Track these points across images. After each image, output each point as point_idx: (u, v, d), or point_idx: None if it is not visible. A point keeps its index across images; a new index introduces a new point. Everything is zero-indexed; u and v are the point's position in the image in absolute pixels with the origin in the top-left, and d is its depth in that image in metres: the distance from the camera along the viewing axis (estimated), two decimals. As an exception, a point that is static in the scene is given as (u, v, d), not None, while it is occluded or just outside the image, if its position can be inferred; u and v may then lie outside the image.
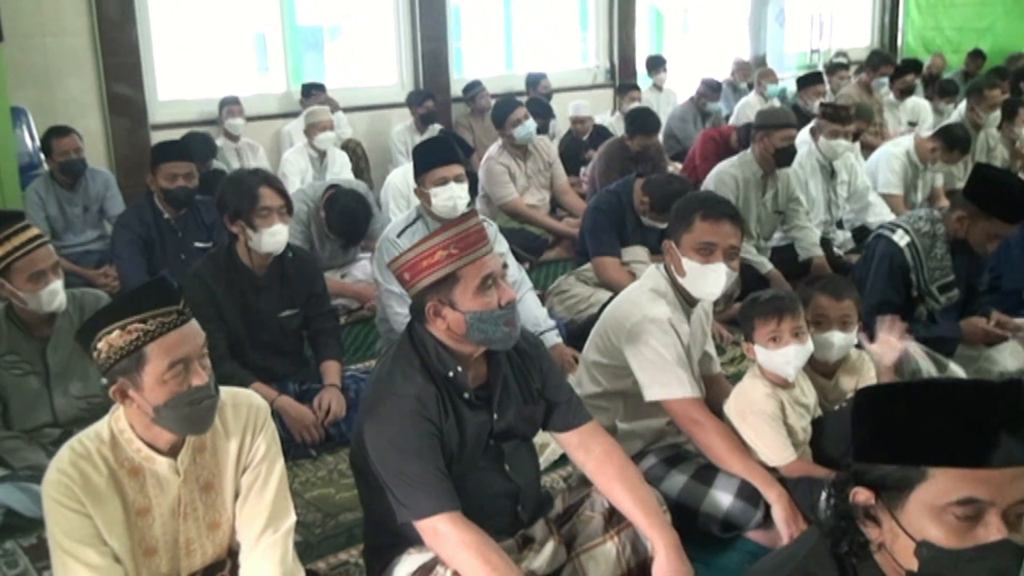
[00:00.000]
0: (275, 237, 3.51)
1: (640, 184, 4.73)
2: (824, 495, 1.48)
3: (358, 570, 2.76)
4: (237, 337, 3.57)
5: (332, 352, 3.77)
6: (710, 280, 2.89)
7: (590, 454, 2.50)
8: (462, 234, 2.23)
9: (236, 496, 2.13)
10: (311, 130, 6.45)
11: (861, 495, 1.39)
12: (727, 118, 8.71)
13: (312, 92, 7.52)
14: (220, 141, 6.94)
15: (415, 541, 2.27)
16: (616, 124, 8.08)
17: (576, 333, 4.15)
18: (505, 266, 2.34)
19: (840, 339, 2.96)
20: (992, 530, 1.28)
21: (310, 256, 4.05)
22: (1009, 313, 4.00)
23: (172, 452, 2.03)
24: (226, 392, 2.09)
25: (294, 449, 3.46)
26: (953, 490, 1.29)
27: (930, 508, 1.31)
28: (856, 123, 5.56)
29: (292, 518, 2.16)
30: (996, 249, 3.74)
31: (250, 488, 2.12)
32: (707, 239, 2.86)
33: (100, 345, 1.92)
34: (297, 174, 6.34)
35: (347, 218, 5.00)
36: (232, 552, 2.17)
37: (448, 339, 2.29)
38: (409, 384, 2.26)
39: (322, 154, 6.53)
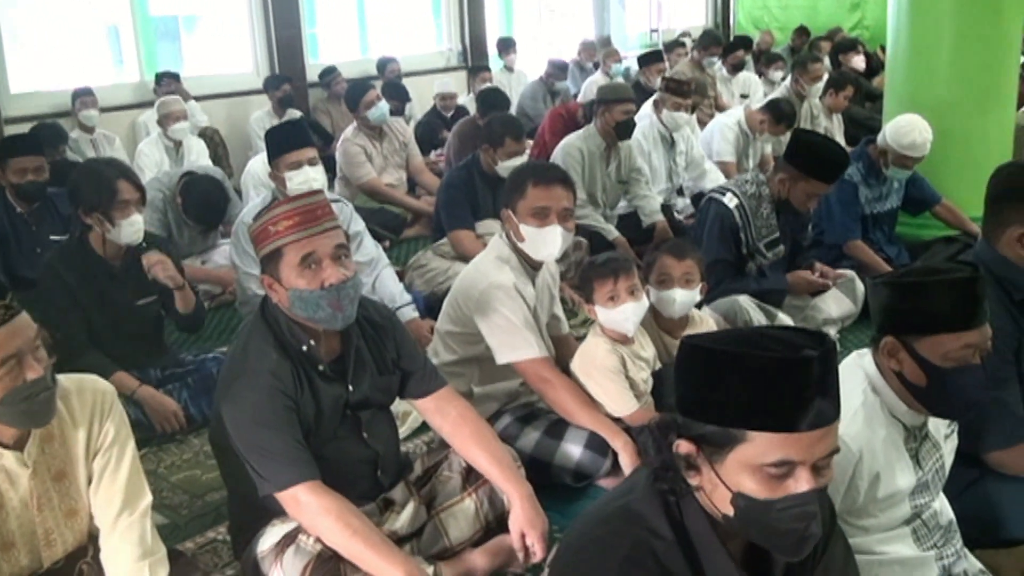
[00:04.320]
0: (133, 227, 3.49)
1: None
2: (650, 439, 1.57)
3: (225, 547, 2.78)
4: (95, 326, 3.54)
5: None
6: (547, 242, 3.01)
7: (446, 417, 2.59)
8: (292, 212, 2.26)
9: (90, 482, 2.10)
10: (164, 120, 6.35)
11: (683, 447, 1.48)
12: (575, 96, 8.95)
13: (164, 81, 7.38)
14: (75, 133, 6.75)
15: (278, 513, 2.31)
16: (470, 104, 8.21)
17: (436, 306, 4.12)
18: (342, 247, 2.32)
19: (682, 295, 3.13)
20: (801, 482, 1.41)
21: (164, 242, 3.99)
22: (831, 264, 4.32)
23: (18, 445, 1.97)
24: (70, 379, 2.04)
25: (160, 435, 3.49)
26: (769, 453, 1.40)
27: (747, 466, 1.42)
28: (693, 97, 5.87)
29: (148, 498, 2.14)
30: (817, 207, 4.03)
31: (102, 472, 2.09)
32: (541, 204, 2.98)
33: None
34: (153, 166, 6.23)
35: (204, 203, 4.98)
36: (93, 537, 2.14)
37: (288, 313, 2.33)
38: (263, 359, 2.29)
39: (177, 144, 6.43)
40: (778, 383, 1.39)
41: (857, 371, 2.09)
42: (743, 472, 1.43)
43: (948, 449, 2.19)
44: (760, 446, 1.40)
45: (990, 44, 4.92)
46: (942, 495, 2.23)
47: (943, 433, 2.17)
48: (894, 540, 2.10)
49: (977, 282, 1.93)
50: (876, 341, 2.07)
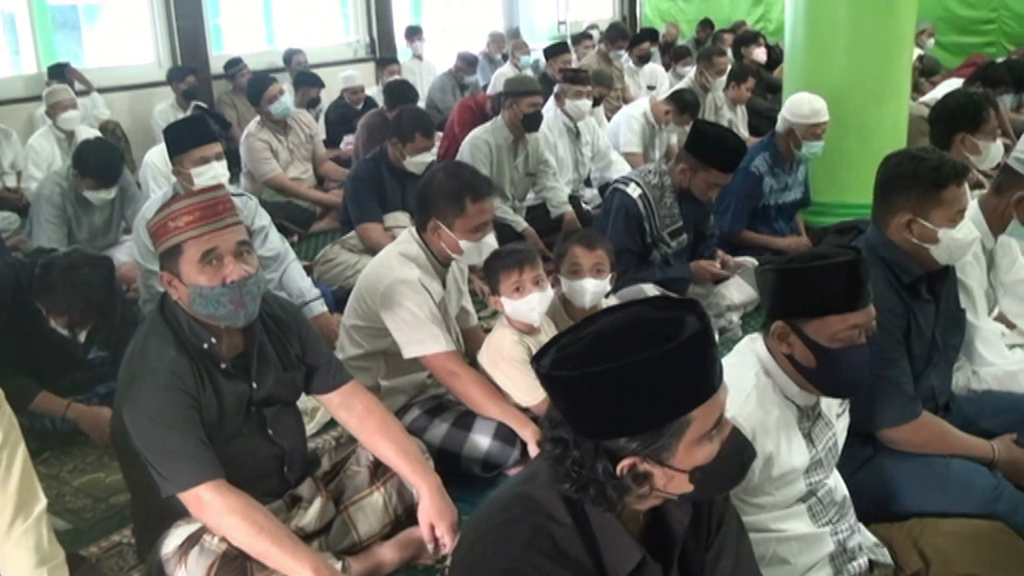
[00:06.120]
0: (78, 335, 3.36)
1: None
2: (558, 466, 1.52)
3: (130, 550, 2.73)
4: (20, 347, 3.38)
5: None
6: (484, 252, 3.06)
7: (352, 412, 2.58)
8: (193, 207, 2.22)
9: None
10: (52, 110, 6.16)
11: (626, 466, 1.46)
12: (484, 88, 8.95)
13: (62, 73, 7.16)
14: (-30, 128, 6.52)
15: (182, 514, 2.27)
16: (378, 96, 8.14)
17: (344, 300, 4.06)
18: (244, 243, 2.29)
19: (593, 285, 3.14)
20: (725, 427, 1.51)
21: (101, 262, 3.55)
22: (731, 253, 4.39)
23: None
24: None
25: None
26: (708, 420, 1.46)
27: (694, 442, 1.46)
28: (597, 88, 5.92)
29: (42, 502, 2.07)
30: (719, 196, 4.12)
31: None
32: (481, 220, 3.02)
33: None
34: (44, 161, 6.06)
35: (98, 157, 4.72)
36: (-10, 544, 2.09)
37: (188, 310, 2.30)
38: (162, 358, 2.25)
39: (69, 135, 6.24)
40: (696, 360, 1.44)
41: (750, 355, 2.16)
42: (692, 449, 1.47)
43: (840, 427, 2.27)
44: (700, 419, 1.45)
45: (884, 35, 5.08)
46: (836, 472, 2.31)
47: (835, 412, 2.25)
48: (790, 517, 2.16)
49: (860, 265, 2.01)
50: (766, 326, 2.14)
